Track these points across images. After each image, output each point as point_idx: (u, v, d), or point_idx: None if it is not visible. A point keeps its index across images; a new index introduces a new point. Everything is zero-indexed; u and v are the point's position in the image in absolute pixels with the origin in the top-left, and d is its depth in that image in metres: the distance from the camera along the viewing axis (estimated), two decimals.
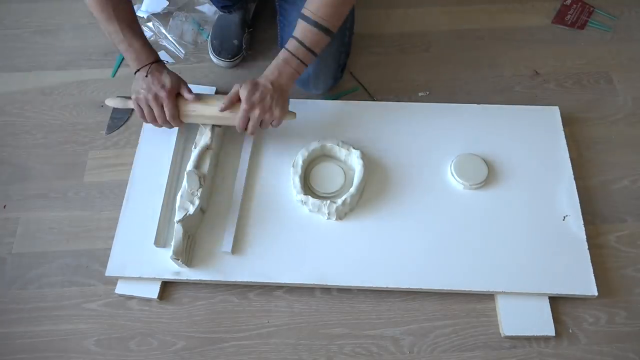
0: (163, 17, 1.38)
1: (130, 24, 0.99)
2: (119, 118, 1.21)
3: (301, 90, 1.20)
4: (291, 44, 0.97)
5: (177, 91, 1.01)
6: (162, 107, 1.00)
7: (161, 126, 1.04)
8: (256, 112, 0.98)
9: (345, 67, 1.23)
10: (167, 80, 0.99)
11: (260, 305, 0.99)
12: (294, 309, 0.99)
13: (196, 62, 1.31)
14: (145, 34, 1.22)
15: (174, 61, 1.31)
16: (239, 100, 0.99)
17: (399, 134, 1.13)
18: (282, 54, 0.98)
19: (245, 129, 1.01)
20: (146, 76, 0.98)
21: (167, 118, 1.01)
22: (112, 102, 1.08)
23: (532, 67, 1.29)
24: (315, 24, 0.95)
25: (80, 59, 1.32)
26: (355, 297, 1.00)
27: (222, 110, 1.00)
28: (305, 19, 0.95)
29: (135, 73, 1.00)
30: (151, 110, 1.00)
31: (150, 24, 1.37)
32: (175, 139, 1.11)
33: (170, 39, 1.34)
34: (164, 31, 1.35)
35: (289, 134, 1.13)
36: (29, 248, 1.06)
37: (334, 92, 1.25)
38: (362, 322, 0.98)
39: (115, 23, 0.97)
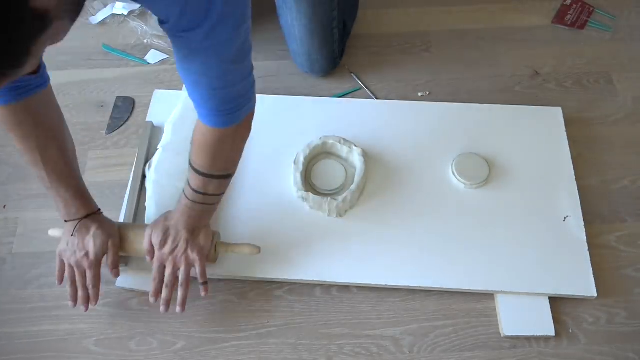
0: (141, 15, 1.39)
1: (62, 168, 0.86)
2: (119, 118, 1.21)
3: (304, 86, 1.21)
4: (188, 192, 0.85)
5: (103, 256, 0.90)
6: (83, 274, 0.90)
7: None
8: (168, 270, 0.89)
9: (344, 50, 1.26)
10: (91, 246, 0.88)
11: (260, 305, 0.99)
12: (294, 309, 0.99)
13: None
14: (130, 36, 1.22)
15: (167, 56, 1.32)
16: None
17: (400, 133, 1.13)
18: (184, 201, 0.86)
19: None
20: (72, 235, 0.88)
21: (87, 285, 0.90)
22: (55, 233, 0.97)
23: (532, 67, 1.30)
24: (200, 173, 0.82)
25: (80, 59, 1.32)
26: (355, 297, 1.00)
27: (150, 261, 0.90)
28: (195, 170, 0.83)
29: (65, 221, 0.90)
30: (73, 271, 0.90)
31: (133, 25, 1.37)
32: None
33: (155, 35, 1.35)
34: (146, 29, 1.35)
35: (290, 131, 1.13)
36: (29, 248, 1.06)
37: (335, 91, 1.25)
38: (362, 322, 0.98)
39: (41, 167, 0.85)
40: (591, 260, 0.99)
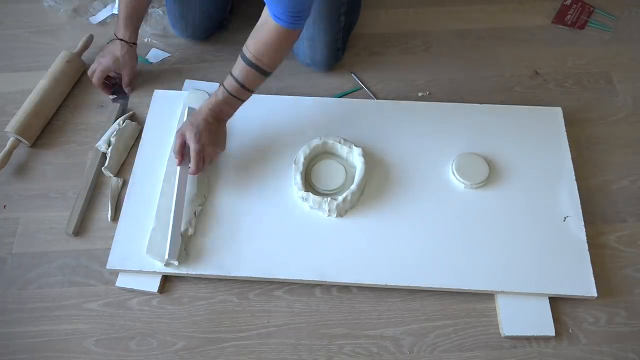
0: None
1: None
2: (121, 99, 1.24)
3: (304, 86, 1.21)
4: (230, 84, 0.99)
5: (112, 69, 1.19)
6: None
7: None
8: (208, 150, 1.01)
9: (345, 47, 1.26)
10: (109, 58, 1.18)
11: (260, 305, 0.99)
12: (294, 309, 0.99)
13: (196, 62, 1.31)
14: None
15: (170, 54, 1.32)
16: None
17: (401, 133, 1.13)
18: (221, 93, 1.00)
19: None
20: (107, 43, 1.21)
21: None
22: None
23: (532, 67, 1.30)
24: (252, 65, 0.97)
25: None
26: (355, 297, 1.00)
27: (180, 164, 1.03)
28: (244, 58, 0.97)
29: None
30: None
31: None
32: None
33: (155, 34, 1.36)
34: (147, 28, 1.35)
35: (290, 131, 1.13)
36: (29, 248, 1.06)
37: (335, 91, 1.25)
38: (362, 322, 0.98)
39: None
40: (591, 260, 0.99)
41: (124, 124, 1.15)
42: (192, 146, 0.99)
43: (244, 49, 0.97)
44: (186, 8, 1.26)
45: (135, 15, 1.16)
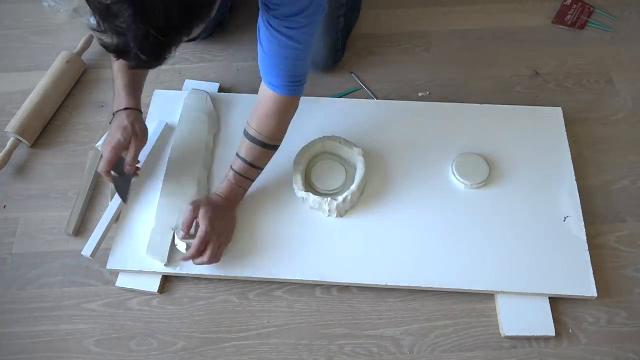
0: None
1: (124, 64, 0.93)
2: None
3: (310, 88, 1.21)
4: (238, 165, 0.97)
5: (125, 145, 0.95)
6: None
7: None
8: (214, 238, 0.94)
9: (345, 47, 1.25)
10: (119, 133, 0.94)
11: (260, 305, 0.99)
12: (294, 309, 0.99)
13: (196, 61, 1.31)
14: None
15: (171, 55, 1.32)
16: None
17: (401, 133, 1.13)
18: (232, 176, 0.97)
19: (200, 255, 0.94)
20: (109, 123, 0.99)
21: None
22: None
23: (532, 67, 1.29)
24: (256, 141, 0.95)
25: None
26: (355, 297, 1.00)
27: (183, 238, 0.96)
28: (247, 136, 0.95)
29: None
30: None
31: None
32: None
33: None
34: None
35: (290, 131, 1.13)
36: (29, 248, 1.06)
37: (335, 91, 1.25)
38: (362, 322, 0.98)
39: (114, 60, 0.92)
40: (591, 260, 0.99)
41: None
42: (203, 227, 0.92)
43: (246, 126, 0.96)
44: None
45: (135, 82, 0.99)
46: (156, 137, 1.12)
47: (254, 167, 0.97)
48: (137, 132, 0.95)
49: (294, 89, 0.91)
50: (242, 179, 0.98)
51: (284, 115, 0.94)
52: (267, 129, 0.94)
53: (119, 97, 0.97)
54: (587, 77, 1.28)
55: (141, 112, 0.99)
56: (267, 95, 0.92)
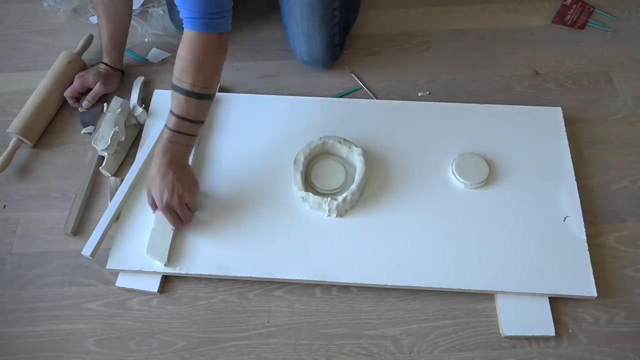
0: (142, 14, 1.39)
1: (111, 19, 1.12)
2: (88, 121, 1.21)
3: (304, 86, 1.21)
4: (171, 120, 0.90)
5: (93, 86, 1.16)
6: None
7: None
8: (174, 203, 0.94)
9: (344, 43, 1.26)
10: (89, 77, 1.17)
11: (260, 305, 0.99)
12: (294, 309, 0.99)
13: None
14: (130, 35, 1.23)
15: (169, 54, 1.32)
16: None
17: (400, 133, 1.13)
18: (166, 134, 0.91)
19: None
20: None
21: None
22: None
23: (532, 67, 1.30)
24: (182, 91, 0.87)
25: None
26: (355, 297, 1.00)
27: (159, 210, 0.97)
28: (174, 87, 0.88)
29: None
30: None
31: (134, 24, 1.37)
32: None
33: (155, 34, 1.36)
34: (147, 27, 1.35)
35: (290, 131, 1.13)
36: (29, 248, 1.06)
37: (335, 91, 1.25)
38: (362, 322, 0.98)
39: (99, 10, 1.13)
40: (591, 260, 0.99)
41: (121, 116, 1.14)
42: (170, 203, 0.93)
43: (173, 78, 0.89)
44: None
45: (118, 38, 1.16)
46: (154, 136, 1.12)
47: (190, 120, 0.89)
48: (106, 81, 1.16)
49: (212, 23, 0.81)
50: (181, 136, 0.91)
51: (205, 56, 0.84)
52: (189, 75, 0.85)
53: (104, 52, 1.17)
54: (587, 77, 1.28)
55: (120, 70, 1.20)
56: (185, 35, 0.83)
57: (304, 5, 1.16)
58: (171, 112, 0.90)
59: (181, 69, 0.86)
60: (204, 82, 0.87)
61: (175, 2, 0.84)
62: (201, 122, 0.92)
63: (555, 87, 1.26)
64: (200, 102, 0.88)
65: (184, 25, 0.83)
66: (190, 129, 0.91)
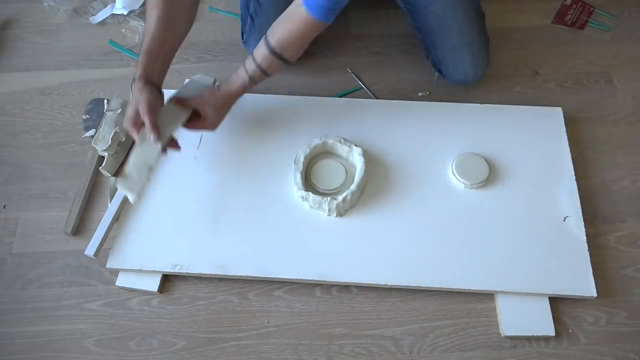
0: (142, 15, 1.39)
1: (157, 34, 0.96)
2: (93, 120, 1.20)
3: (304, 86, 1.21)
4: (250, 65, 0.99)
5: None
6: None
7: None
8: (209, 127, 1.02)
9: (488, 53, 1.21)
10: (133, 103, 0.95)
11: (260, 305, 0.99)
12: (294, 309, 0.99)
13: (196, 61, 1.31)
14: (130, 35, 1.22)
15: None
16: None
17: (400, 132, 1.13)
18: (241, 72, 1.01)
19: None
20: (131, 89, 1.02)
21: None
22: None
23: (532, 67, 1.30)
24: (275, 54, 0.96)
25: (80, 59, 1.32)
26: (355, 297, 1.00)
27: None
28: (268, 46, 0.96)
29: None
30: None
31: (134, 24, 1.37)
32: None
33: None
34: None
35: (290, 131, 1.13)
36: (29, 248, 1.06)
37: (335, 91, 1.25)
38: (362, 322, 0.98)
39: (148, 26, 0.96)
40: (591, 260, 0.99)
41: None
42: (208, 125, 1.01)
43: (269, 35, 0.96)
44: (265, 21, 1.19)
45: (158, 49, 0.98)
46: None
47: (266, 74, 1.00)
48: (144, 105, 0.92)
49: (329, 15, 0.91)
50: (252, 81, 1.01)
51: (309, 38, 0.96)
52: (291, 48, 0.96)
53: (137, 64, 0.96)
54: (587, 77, 1.28)
55: (157, 84, 0.98)
56: (300, 14, 0.92)
57: (461, 13, 1.12)
58: (255, 61, 0.98)
59: (285, 39, 0.95)
60: (297, 54, 0.99)
61: None
62: (270, 76, 1.01)
63: (555, 87, 1.26)
64: (281, 65, 0.98)
65: (305, 4, 0.90)
66: (262, 78, 1.01)
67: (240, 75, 1.01)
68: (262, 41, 0.97)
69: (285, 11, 0.95)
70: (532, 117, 1.16)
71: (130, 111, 0.94)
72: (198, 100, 1.01)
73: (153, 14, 0.95)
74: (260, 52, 0.97)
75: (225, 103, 1.03)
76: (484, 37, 1.18)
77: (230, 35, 1.36)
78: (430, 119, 1.15)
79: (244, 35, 1.25)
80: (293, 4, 0.94)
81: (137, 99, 0.93)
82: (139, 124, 0.94)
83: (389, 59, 1.32)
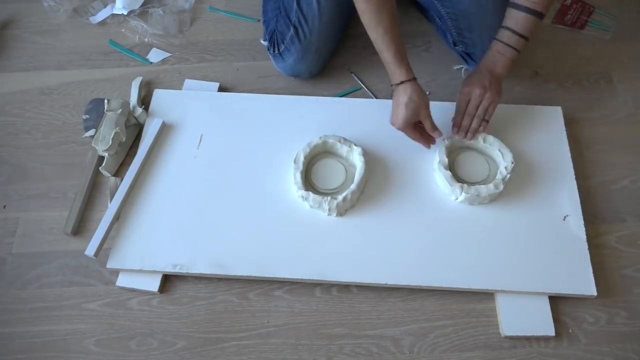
0: (142, 15, 1.39)
1: (390, 32, 0.97)
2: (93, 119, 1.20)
3: (304, 86, 1.21)
4: (504, 35, 1.01)
5: (414, 122, 1.03)
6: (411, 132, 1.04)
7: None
8: (476, 91, 1.02)
9: None
10: (402, 112, 1.00)
11: (260, 305, 0.99)
12: (294, 309, 0.99)
13: (196, 61, 1.31)
14: (130, 35, 1.22)
15: (170, 54, 1.32)
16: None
17: (400, 132, 1.13)
18: (495, 46, 1.02)
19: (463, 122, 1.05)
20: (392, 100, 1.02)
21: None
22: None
23: (532, 67, 1.29)
24: (528, 10, 0.98)
25: (80, 59, 1.32)
26: (355, 297, 1.00)
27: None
28: (516, 6, 0.99)
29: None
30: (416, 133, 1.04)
31: (134, 24, 1.37)
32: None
33: (155, 34, 1.36)
34: (147, 28, 1.35)
35: (290, 130, 1.13)
36: (29, 248, 1.06)
37: (335, 91, 1.25)
38: (362, 322, 0.98)
39: (374, 30, 0.97)
40: (591, 260, 0.99)
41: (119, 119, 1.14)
42: (493, 101, 1.03)
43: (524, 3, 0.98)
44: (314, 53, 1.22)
45: (400, 50, 0.99)
46: (153, 136, 1.12)
47: (522, 36, 1.00)
48: (419, 102, 0.99)
49: None
50: (509, 49, 1.01)
51: None
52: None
53: (390, 71, 1.00)
54: (587, 77, 1.28)
55: (415, 79, 1.00)
56: None
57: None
58: (507, 28, 1.00)
59: None
60: (548, 2, 0.99)
61: None
62: (528, 39, 1.01)
63: (555, 87, 1.26)
64: (537, 19, 0.99)
65: None
66: (519, 43, 1.01)
67: (499, 49, 1.02)
68: (508, 8, 1.00)
69: None
70: (532, 117, 1.16)
71: (406, 114, 0.99)
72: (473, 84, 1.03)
73: (382, 13, 0.96)
74: (511, 17, 0.99)
75: (497, 79, 1.03)
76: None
77: (230, 35, 1.36)
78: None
79: (280, 46, 1.20)
80: None
81: (416, 102, 0.98)
82: (419, 127, 1.04)
83: None
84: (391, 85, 1.00)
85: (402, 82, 0.98)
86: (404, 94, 0.98)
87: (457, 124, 1.07)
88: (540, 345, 0.95)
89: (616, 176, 1.13)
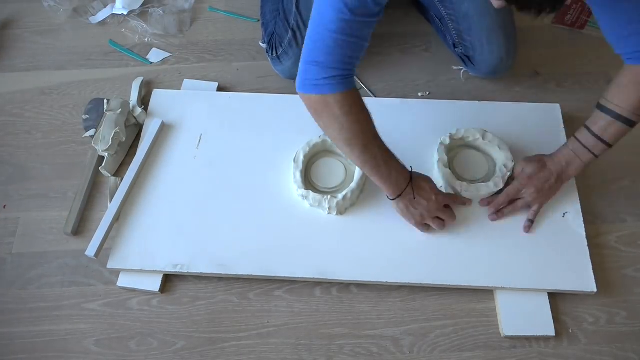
0: (142, 15, 1.39)
1: (383, 146, 0.93)
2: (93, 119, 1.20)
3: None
4: (585, 137, 0.95)
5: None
6: (439, 211, 0.98)
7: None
8: (531, 189, 0.99)
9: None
10: (434, 192, 0.97)
11: (260, 305, 0.99)
12: (294, 309, 0.99)
13: (196, 61, 1.31)
14: (130, 35, 1.21)
15: (170, 54, 1.32)
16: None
17: (400, 130, 1.13)
18: (572, 144, 0.97)
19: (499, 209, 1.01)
20: (414, 198, 0.95)
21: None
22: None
23: (532, 67, 1.29)
24: (618, 117, 0.90)
25: (80, 59, 1.32)
26: (355, 297, 1.00)
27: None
28: (604, 110, 0.92)
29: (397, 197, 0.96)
30: (441, 220, 0.99)
31: (134, 24, 1.37)
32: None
33: (155, 34, 1.36)
34: (147, 28, 1.35)
35: (290, 129, 1.13)
36: (29, 248, 1.06)
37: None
38: (362, 322, 0.98)
39: (372, 149, 0.92)
40: (591, 260, 0.99)
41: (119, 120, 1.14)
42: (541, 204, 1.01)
43: (601, 99, 0.93)
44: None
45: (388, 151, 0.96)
46: (153, 136, 1.12)
47: (605, 143, 0.94)
48: (435, 189, 0.98)
49: None
50: (587, 153, 0.96)
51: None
52: (633, 105, 0.89)
53: (399, 178, 0.95)
54: (587, 77, 1.28)
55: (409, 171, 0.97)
56: (630, 72, 0.88)
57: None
58: (589, 130, 0.94)
59: (626, 99, 0.89)
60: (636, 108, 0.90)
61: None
62: (612, 146, 0.95)
63: (555, 87, 1.26)
64: (627, 127, 0.91)
65: (629, 60, 0.87)
66: (600, 149, 0.95)
67: (570, 145, 0.97)
68: (596, 110, 0.93)
69: (617, 79, 0.90)
70: (531, 114, 1.16)
71: (433, 205, 0.96)
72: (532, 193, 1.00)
73: (368, 138, 0.92)
74: (597, 121, 0.93)
75: (562, 178, 1.00)
76: (514, 25, 1.19)
77: (230, 35, 1.36)
78: (429, 117, 1.15)
79: (278, 49, 1.20)
80: (625, 72, 0.89)
81: (440, 200, 0.97)
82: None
83: (389, 59, 1.32)
84: (400, 194, 0.95)
85: (408, 180, 0.95)
86: (422, 180, 0.97)
87: (493, 201, 1.03)
88: (540, 345, 0.95)
89: (616, 176, 1.13)
